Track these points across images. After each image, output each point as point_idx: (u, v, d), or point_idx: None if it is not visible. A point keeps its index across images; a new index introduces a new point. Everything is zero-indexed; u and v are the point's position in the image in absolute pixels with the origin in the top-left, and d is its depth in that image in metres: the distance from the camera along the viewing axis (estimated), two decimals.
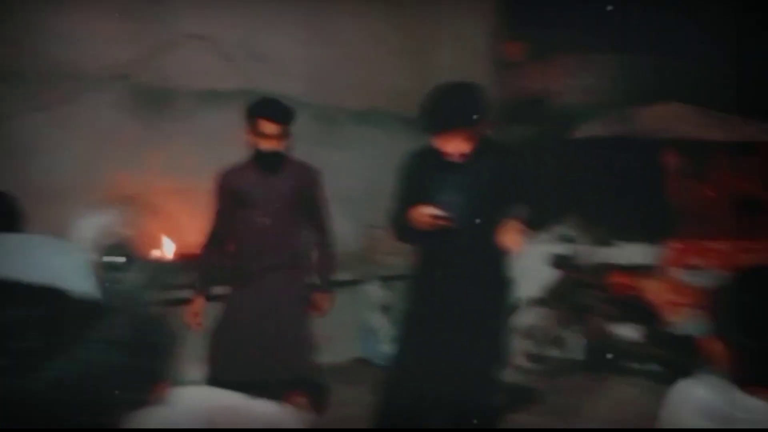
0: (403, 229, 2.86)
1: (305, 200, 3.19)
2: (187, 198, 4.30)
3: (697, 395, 1.30)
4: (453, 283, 2.76)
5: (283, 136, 3.05)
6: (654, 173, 4.80)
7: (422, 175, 2.83)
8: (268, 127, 3.01)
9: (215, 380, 2.97)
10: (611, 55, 5.99)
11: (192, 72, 4.89)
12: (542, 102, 6.26)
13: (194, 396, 1.24)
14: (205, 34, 4.92)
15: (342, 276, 4.41)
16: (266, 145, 3.03)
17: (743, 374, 1.24)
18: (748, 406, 1.21)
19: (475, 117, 2.71)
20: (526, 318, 5.28)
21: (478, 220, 2.69)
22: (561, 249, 5.34)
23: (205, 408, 1.21)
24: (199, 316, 3.16)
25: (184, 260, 4.07)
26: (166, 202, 4.44)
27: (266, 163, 3.08)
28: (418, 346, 2.79)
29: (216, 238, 3.22)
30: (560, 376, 4.85)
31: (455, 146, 2.71)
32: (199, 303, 3.19)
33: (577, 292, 5.20)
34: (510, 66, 6.42)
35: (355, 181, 5.21)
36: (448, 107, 2.71)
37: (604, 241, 5.16)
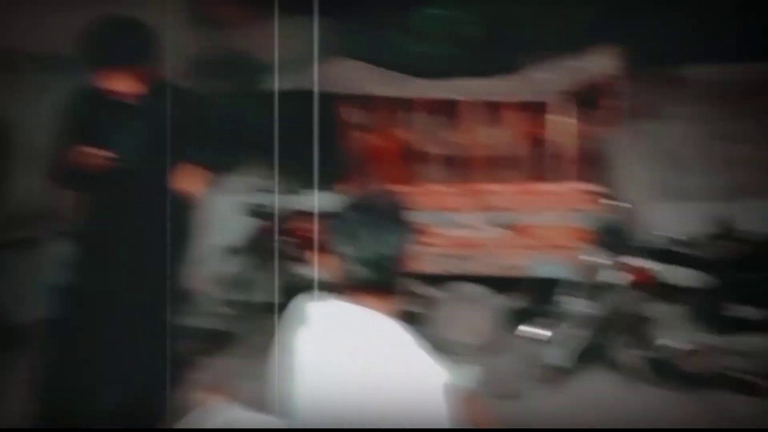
0: (65, 173, 2.67)
1: None
2: None
3: (309, 307, 1.55)
4: (127, 229, 2.68)
5: None
6: (332, 125, 5.20)
7: (89, 115, 2.66)
8: None
9: None
10: (309, 17, 6.28)
11: None
12: (242, 58, 6.37)
13: None
14: None
15: (24, 233, 4.12)
16: None
17: (353, 283, 1.49)
18: (352, 312, 1.49)
19: (142, 54, 2.61)
20: (222, 265, 5.45)
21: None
22: (255, 198, 5.57)
23: None
24: None
25: None
26: None
27: None
28: (90, 297, 2.70)
29: None
30: (256, 318, 5.11)
31: (124, 85, 2.60)
32: None
33: (272, 239, 5.48)
34: (213, 23, 6.42)
35: (38, 131, 4.82)
36: (112, 42, 2.58)
37: (292, 190, 5.49)
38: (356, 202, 1.56)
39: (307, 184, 5.41)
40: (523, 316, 4.29)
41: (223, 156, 2.89)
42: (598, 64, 4.66)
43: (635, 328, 4.02)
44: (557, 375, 4.02)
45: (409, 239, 1.52)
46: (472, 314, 4.82)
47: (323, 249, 1.52)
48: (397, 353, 1.41)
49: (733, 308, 3.93)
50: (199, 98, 3.23)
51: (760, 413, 3.65)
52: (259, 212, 5.54)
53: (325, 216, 1.54)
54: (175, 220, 2.84)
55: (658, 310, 4.04)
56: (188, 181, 2.68)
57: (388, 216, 1.52)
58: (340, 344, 1.45)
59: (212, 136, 2.85)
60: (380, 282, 1.48)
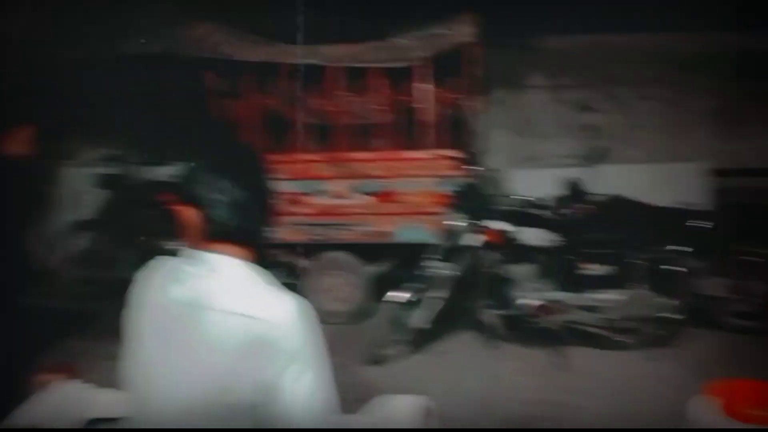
0: None
1: None
2: None
3: (167, 264, 1.53)
4: None
5: None
6: (198, 92, 5.00)
7: None
8: None
9: None
10: None
11: None
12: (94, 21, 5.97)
13: None
14: None
15: None
16: None
17: (210, 232, 1.46)
18: (204, 258, 1.46)
19: None
20: (75, 242, 5.16)
21: None
22: (109, 169, 5.27)
23: None
24: None
25: None
26: None
27: None
28: None
29: None
30: (116, 296, 4.88)
31: None
32: None
33: (128, 211, 5.23)
34: None
35: None
36: None
37: (155, 160, 5.24)
38: (215, 152, 1.55)
39: (168, 154, 5.21)
40: (391, 281, 4.35)
41: (67, 120, 2.69)
42: (461, 32, 4.75)
43: (492, 287, 4.20)
44: (421, 338, 4.14)
45: (268, 187, 1.53)
46: (341, 282, 4.85)
47: (185, 205, 1.46)
48: (249, 291, 1.44)
49: (581, 266, 4.19)
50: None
51: (605, 363, 3.95)
52: (114, 184, 5.26)
53: (183, 184, 1.47)
54: (17, 192, 2.66)
55: (513, 269, 4.24)
56: (14, 142, 2.48)
57: (246, 165, 1.53)
58: (195, 293, 1.44)
59: (50, 100, 2.65)
60: (239, 230, 1.48)
